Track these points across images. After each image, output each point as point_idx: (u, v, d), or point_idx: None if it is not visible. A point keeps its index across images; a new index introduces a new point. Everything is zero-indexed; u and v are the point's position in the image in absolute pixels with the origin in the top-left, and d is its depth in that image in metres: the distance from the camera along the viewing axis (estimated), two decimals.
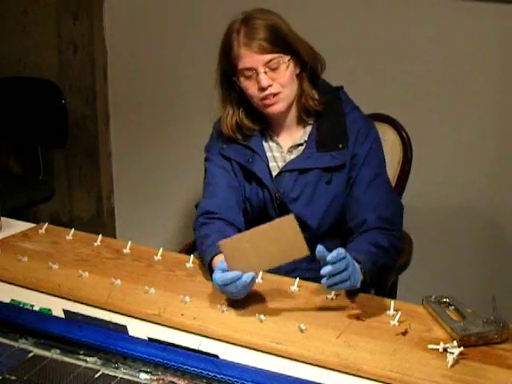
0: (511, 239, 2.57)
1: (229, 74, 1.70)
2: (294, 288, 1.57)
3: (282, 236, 1.41)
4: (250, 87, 1.67)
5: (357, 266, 1.49)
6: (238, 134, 1.76)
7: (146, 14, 3.05)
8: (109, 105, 3.25)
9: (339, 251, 1.41)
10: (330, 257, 1.40)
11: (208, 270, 1.59)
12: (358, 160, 1.71)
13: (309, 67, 1.72)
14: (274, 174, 1.75)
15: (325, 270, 1.40)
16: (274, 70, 1.65)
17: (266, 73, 1.64)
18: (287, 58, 1.66)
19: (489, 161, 2.54)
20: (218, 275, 1.46)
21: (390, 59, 2.59)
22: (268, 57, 1.63)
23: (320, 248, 1.42)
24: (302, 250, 1.41)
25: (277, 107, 1.69)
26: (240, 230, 1.71)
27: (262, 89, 1.65)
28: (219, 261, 1.51)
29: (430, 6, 2.49)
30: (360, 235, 1.65)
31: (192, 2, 2.95)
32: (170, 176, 3.16)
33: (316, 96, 1.73)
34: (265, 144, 1.77)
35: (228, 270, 1.44)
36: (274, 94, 1.66)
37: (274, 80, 1.65)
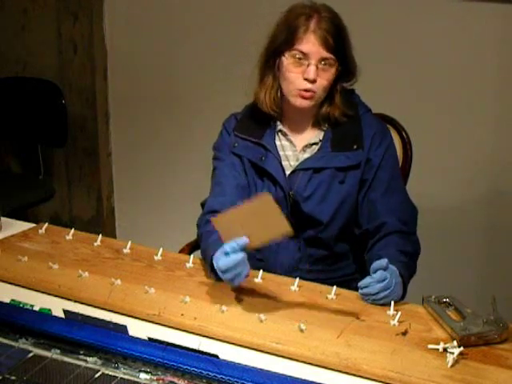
0: (511, 239, 2.57)
1: (282, 48, 1.67)
2: (294, 288, 1.57)
3: (264, 214, 1.43)
4: (294, 72, 1.65)
5: (399, 279, 1.53)
6: (275, 109, 1.73)
7: (146, 13, 3.05)
8: (109, 105, 3.25)
9: (382, 274, 1.49)
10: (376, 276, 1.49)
11: (209, 264, 1.59)
12: (374, 164, 1.71)
13: (344, 79, 1.73)
14: (287, 172, 1.74)
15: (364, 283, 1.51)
16: (323, 69, 1.64)
17: (317, 67, 1.64)
18: (337, 64, 1.66)
19: (489, 161, 2.54)
20: (220, 260, 1.46)
21: (389, 59, 2.59)
22: (327, 54, 1.63)
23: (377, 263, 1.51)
24: (284, 228, 1.43)
25: (307, 103, 1.68)
26: None
27: (307, 80, 1.64)
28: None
29: (430, 6, 2.50)
30: (382, 239, 1.67)
31: (192, 2, 2.95)
32: (170, 176, 3.16)
33: (345, 109, 1.73)
34: (277, 143, 1.77)
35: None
36: (313, 92, 1.66)
37: (319, 78, 1.65)
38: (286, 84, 1.69)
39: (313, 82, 1.64)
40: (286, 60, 1.67)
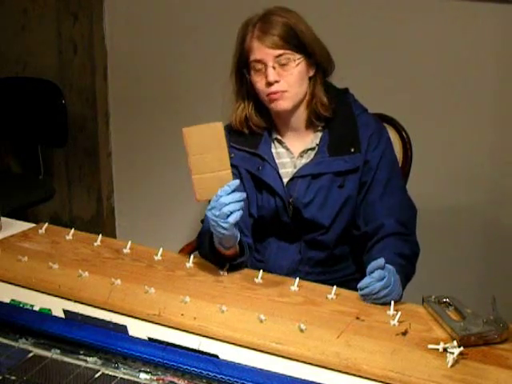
0: (511, 239, 2.57)
1: (241, 65, 1.71)
2: (294, 288, 1.57)
3: (202, 142, 1.49)
4: (259, 81, 1.67)
5: (398, 276, 1.52)
6: (245, 129, 1.75)
7: (146, 13, 3.05)
8: (109, 105, 3.25)
9: (381, 273, 1.47)
10: (375, 275, 1.48)
11: (209, 247, 1.63)
12: (372, 166, 1.70)
13: (322, 71, 1.72)
14: (285, 180, 1.73)
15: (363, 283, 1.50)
16: (283, 66, 1.64)
17: (274, 68, 1.63)
18: (298, 56, 1.65)
19: (489, 161, 2.54)
20: (222, 198, 1.49)
21: (389, 59, 2.59)
22: (278, 52, 1.63)
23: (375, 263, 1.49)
24: (215, 125, 1.50)
25: (282, 104, 1.67)
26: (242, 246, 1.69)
27: (269, 84, 1.64)
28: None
29: (430, 6, 2.49)
30: (380, 242, 1.66)
31: (192, 2, 2.95)
32: (170, 176, 3.16)
33: (326, 101, 1.71)
34: (273, 151, 1.76)
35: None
36: (281, 92, 1.66)
37: (282, 77, 1.64)
38: (259, 95, 1.70)
39: (275, 82, 1.64)
40: (249, 74, 1.69)
